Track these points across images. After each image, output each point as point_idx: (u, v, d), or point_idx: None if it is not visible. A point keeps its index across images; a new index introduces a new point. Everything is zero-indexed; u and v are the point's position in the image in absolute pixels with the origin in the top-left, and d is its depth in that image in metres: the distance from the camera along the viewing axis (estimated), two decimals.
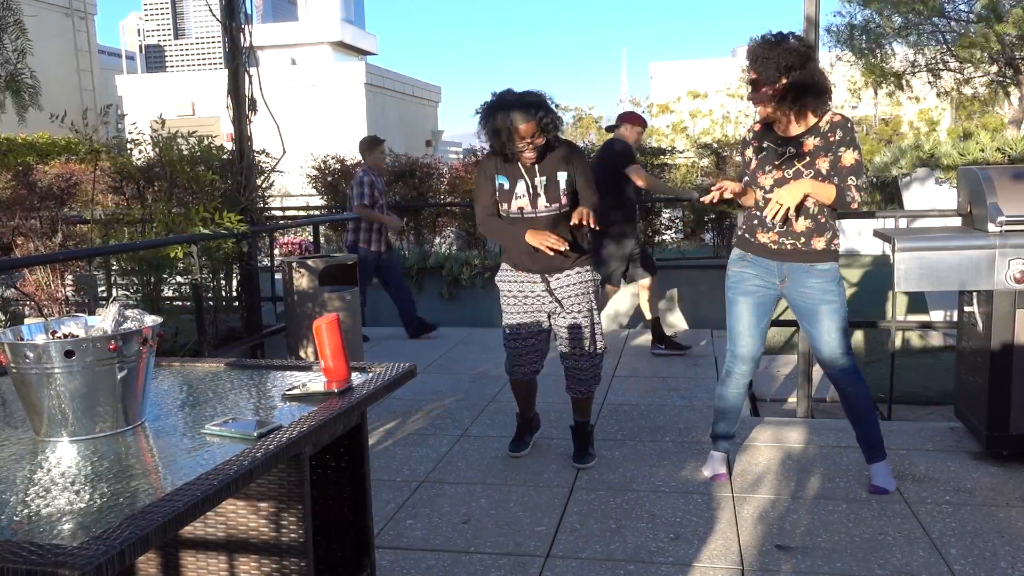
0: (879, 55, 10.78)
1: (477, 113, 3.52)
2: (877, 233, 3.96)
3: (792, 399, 5.02)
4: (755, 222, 3.34)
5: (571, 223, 3.47)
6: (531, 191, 3.52)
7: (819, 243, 3.23)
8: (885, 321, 5.15)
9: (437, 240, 9.80)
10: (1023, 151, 6.38)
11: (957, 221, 3.90)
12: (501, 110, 3.41)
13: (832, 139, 3.19)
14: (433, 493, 3.47)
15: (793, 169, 3.23)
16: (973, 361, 3.75)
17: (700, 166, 10.03)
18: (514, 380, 3.84)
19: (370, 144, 6.81)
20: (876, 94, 11.51)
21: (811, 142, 3.22)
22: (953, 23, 10.59)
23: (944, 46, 10.64)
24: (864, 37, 10.68)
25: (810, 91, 3.14)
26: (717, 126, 12.71)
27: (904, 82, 11.08)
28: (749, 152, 3.39)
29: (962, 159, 6.40)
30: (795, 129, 3.25)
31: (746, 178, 3.37)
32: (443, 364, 5.84)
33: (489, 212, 3.64)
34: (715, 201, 3.22)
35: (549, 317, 3.69)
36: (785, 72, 3.09)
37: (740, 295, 3.39)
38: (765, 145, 3.31)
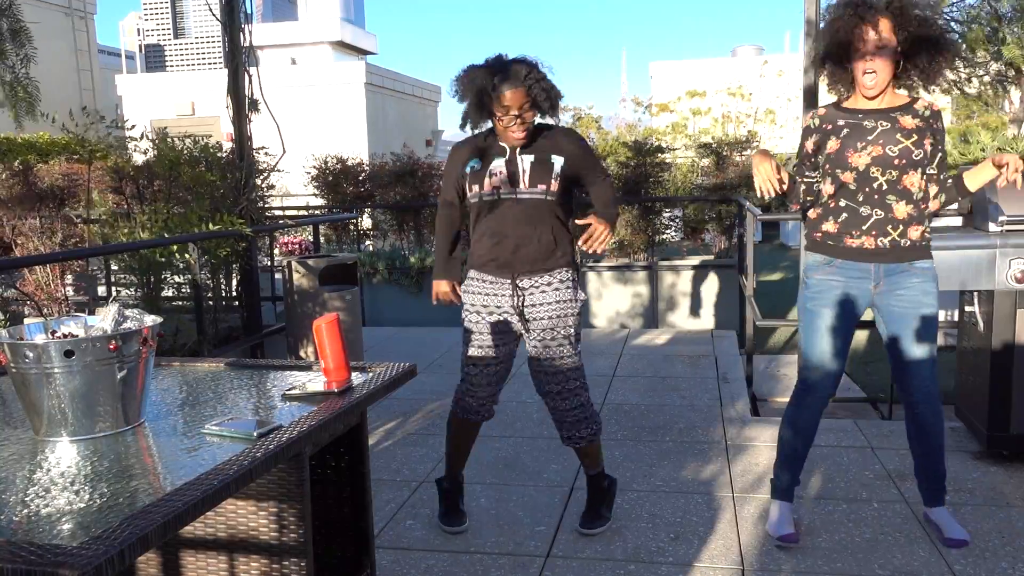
0: None
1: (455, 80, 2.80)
2: None
3: None
4: (844, 217, 2.74)
5: (579, 229, 2.82)
6: (512, 168, 2.78)
7: (915, 232, 2.72)
8: None
9: None
10: (1023, 150, 6.38)
11: (957, 221, 3.90)
12: (484, 70, 2.72)
13: (935, 126, 2.71)
14: (433, 493, 3.47)
15: (900, 146, 2.65)
16: (974, 361, 3.75)
17: (700, 166, 9.99)
18: (456, 419, 3.01)
19: None
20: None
21: (909, 121, 2.68)
22: (953, 23, 10.60)
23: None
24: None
25: (935, 49, 2.56)
26: (717, 125, 12.70)
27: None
28: (814, 139, 2.78)
29: (963, 158, 6.39)
30: (885, 101, 2.71)
31: (806, 172, 2.84)
32: (443, 364, 5.84)
33: (448, 205, 2.97)
34: (773, 193, 2.63)
35: (517, 340, 2.96)
36: (916, 22, 2.55)
37: (824, 307, 2.79)
38: (843, 123, 2.72)
